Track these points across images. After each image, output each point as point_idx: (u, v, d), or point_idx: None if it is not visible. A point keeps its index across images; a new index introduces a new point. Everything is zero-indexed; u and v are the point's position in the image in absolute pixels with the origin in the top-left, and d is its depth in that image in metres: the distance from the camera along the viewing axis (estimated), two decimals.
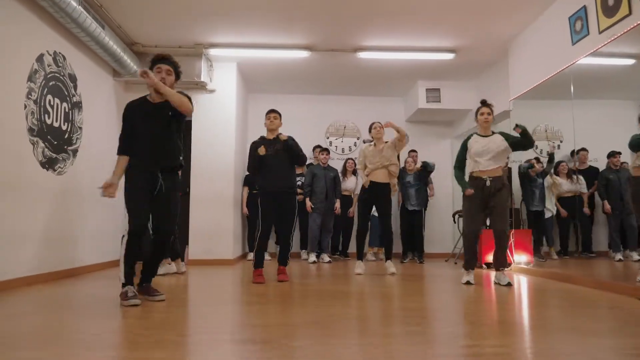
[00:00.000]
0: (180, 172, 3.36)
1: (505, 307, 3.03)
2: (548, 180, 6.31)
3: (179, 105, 3.04)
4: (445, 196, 7.85)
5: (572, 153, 6.42)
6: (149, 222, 3.10)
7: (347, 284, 4.18)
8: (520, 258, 5.51)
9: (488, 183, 4.05)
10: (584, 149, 6.32)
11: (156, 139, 3.12)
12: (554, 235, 6.44)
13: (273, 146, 4.36)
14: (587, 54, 4.17)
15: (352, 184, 6.99)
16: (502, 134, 4.19)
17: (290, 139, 4.40)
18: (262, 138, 4.51)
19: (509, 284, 4.03)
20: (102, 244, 5.39)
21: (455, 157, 4.32)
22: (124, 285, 3.04)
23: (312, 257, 6.43)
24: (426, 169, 6.77)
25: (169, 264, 4.85)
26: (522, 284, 4.26)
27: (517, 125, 4.09)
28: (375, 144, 5.14)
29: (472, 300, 3.31)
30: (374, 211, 6.51)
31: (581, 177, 6.29)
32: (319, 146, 7.14)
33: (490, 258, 5.64)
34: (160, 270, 4.82)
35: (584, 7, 4.14)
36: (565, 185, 6.19)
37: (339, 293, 3.58)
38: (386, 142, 5.16)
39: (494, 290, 3.79)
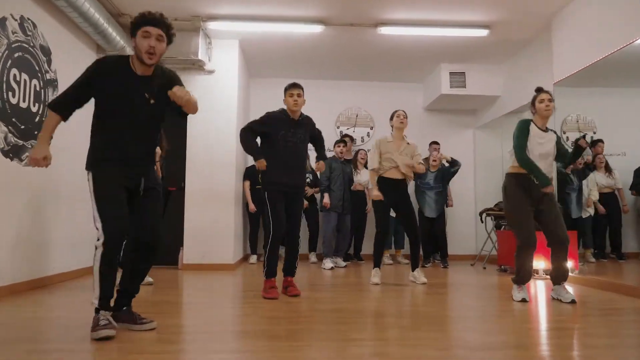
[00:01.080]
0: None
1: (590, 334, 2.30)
2: (590, 177, 5.65)
3: (193, 111, 2.37)
4: (467, 193, 7.13)
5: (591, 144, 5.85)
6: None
7: (369, 299, 3.45)
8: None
9: (537, 181, 3.34)
10: (601, 141, 5.70)
11: (138, 127, 2.39)
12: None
13: (294, 130, 3.59)
14: None
15: (365, 177, 6.23)
16: (557, 135, 3.52)
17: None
18: (283, 112, 3.65)
19: (573, 301, 3.31)
20: (79, 248, 4.61)
21: (517, 142, 3.40)
22: (97, 310, 2.30)
23: (329, 264, 5.65)
24: (452, 167, 6.01)
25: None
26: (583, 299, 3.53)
27: (583, 138, 3.40)
28: (393, 137, 4.38)
29: (549, 327, 2.58)
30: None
31: (616, 171, 5.70)
32: (342, 141, 6.32)
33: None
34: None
35: None
36: (603, 180, 5.55)
37: (362, 314, 2.84)
38: (408, 143, 4.39)
39: (556, 309, 3.07)
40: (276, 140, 3.53)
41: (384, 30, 5.18)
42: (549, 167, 3.44)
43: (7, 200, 3.51)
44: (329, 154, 6.50)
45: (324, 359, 1.93)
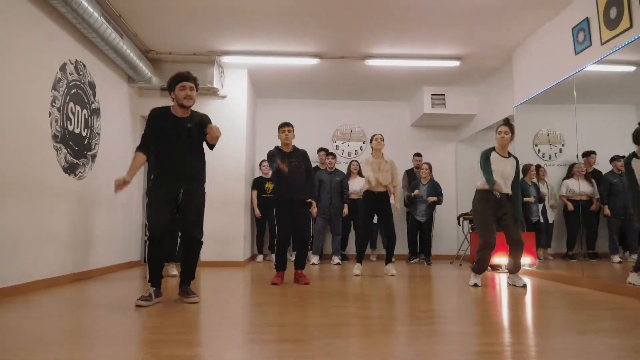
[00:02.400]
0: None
1: (515, 308, 3.19)
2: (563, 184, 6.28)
3: (216, 142, 3.40)
4: (450, 199, 7.98)
5: (585, 154, 6.52)
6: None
7: (358, 285, 4.34)
8: (524, 260, 5.64)
9: (498, 195, 4.22)
10: (593, 152, 6.45)
11: (179, 154, 3.33)
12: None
13: (289, 160, 4.52)
14: (590, 64, 4.33)
15: (358, 186, 7.10)
16: (517, 162, 4.41)
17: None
18: (278, 149, 4.63)
19: (525, 286, 4.18)
20: (117, 247, 5.56)
21: (483, 170, 4.34)
22: (150, 284, 3.23)
23: (314, 259, 6.64)
24: (439, 203, 6.93)
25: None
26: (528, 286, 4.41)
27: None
28: (373, 157, 5.33)
29: (484, 301, 3.47)
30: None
31: (593, 181, 6.36)
32: (323, 149, 7.27)
33: (495, 261, 5.80)
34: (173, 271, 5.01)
35: (587, 19, 4.29)
36: (582, 187, 6.21)
37: (351, 295, 3.73)
38: (386, 161, 5.32)
39: (509, 292, 3.94)
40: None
41: (371, 62, 6.11)
42: (506, 186, 4.32)
43: (65, 207, 4.43)
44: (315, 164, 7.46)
45: (312, 318, 2.82)
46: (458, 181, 8.09)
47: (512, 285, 4.30)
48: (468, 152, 8.01)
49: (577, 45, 4.49)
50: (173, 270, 5.11)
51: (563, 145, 6.81)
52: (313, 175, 4.75)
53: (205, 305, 3.20)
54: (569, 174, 6.40)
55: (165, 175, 3.35)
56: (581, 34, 4.39)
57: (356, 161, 7.28)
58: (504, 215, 4.28)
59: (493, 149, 4.43)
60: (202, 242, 3.48)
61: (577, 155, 5.28)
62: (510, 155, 4.41)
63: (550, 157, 6.92)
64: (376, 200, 5.24)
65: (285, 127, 4.59)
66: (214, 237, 6.26)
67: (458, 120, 7.75)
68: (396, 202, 5.33)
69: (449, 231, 7.90)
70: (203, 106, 6.47)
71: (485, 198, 4.29)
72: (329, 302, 3.34)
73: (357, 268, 5.23)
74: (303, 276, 4.48)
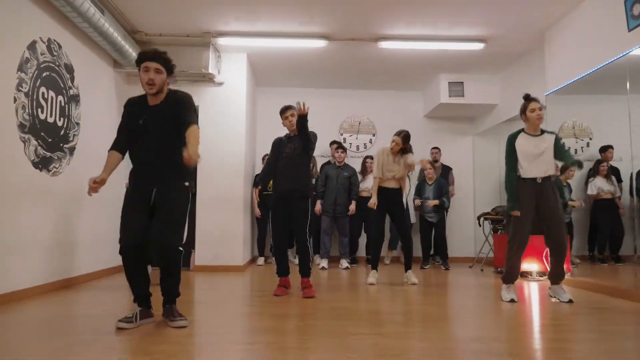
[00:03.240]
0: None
1: (586, 336, 2.57)
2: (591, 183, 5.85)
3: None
4: (467, 198, 7.38)
5: (600, 150, 6.01)
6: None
7: (375, 299, 3.73)
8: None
9: (539, 181, 3.60)
10: (610, 147, 5.92)
11: (147, 148, 2.72)
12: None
13: (292, 145, 3.92)
14: None
15: (369, 183, 6.49)
16: (556, 136, 3.72)
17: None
18: (287, 136, 4.08)
19: (571, 301, 3.57)
20: (103, 250, 4.94)
21: (506, 163, 3.75)
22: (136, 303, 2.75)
23: (323, 263, 6.01)
24: (443, 206, 6.26)
25: None
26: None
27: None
28: (389, 154, 4.74)
29: (538, 323, 2.86)
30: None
31: (614, 178, 5.89)
32: (336, 142, 6.66)
33: (525, 267, 5.19)
34: None
35: None
36: (604, 186, 5.74)
37: (367, 315, 3.12)
38: (401, 156, 4.73)
39: (555, 310, 3.34)
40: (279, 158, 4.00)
41: (384, 45, 5.46)
42: (546, 166, 3.60)
43: (36, 207, 3.81)
44: (324, 160, 6.85)
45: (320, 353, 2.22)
46: (475, 178, 7.47)
47: (554, 299, 3.68)
48: (486, 146, 7.39)
49: (632, 20, 3.86)
50: None
51: (590, 139, 6.25)
52: (312, 138, 4.02)
53: (194, 329, 2.60)
54: (595, 172, 5.90)
55: (136, 175, 2.78)
56: (637, 6, 3.76)
57: (370, 157, 6.66)
58: (546, 206, 3.60)
59: (521, 131, 3.75)
60: (180, 251, 2.73)
61: (631, 155, 4.63)
62: (543, 132, 3.71)
63: (575, 152, 6.35)
64: (387, 197, 4.65)
65: (287, 111, 3.99)
66: (209, 239, 5.67)
67: (476, 111, 7.12)
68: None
69: (466, 231, 7.30)
70: (197, 94, 5.85)
71: (528, 189, 3.63)
72: (340, 326, 2.73)
73: (371, 276, 4.62)
74: (307, 287, 3.85)
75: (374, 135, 7.50)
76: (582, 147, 6.40)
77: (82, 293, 3.94)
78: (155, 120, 2.72)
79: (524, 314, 3.16)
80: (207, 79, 5.75)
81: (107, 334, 2.50)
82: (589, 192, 5.86)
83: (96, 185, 2.60)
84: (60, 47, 4.21)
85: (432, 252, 6.58)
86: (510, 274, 3.71)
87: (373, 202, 4.60)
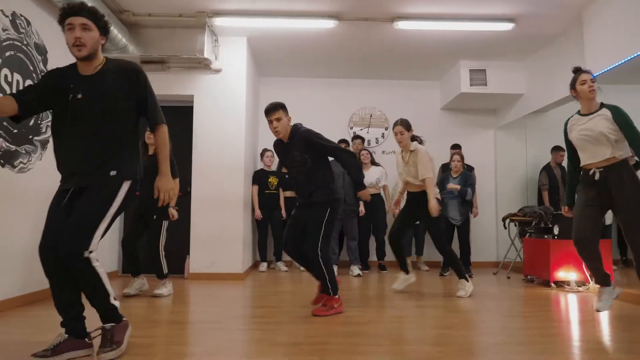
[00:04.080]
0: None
1: None
2: None
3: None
4: (488, 197, 6.76)
5: None
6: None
7: (398, 318, 3.13)
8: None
9: (597, 176, 2.99)
10: None
11: (85, 132, 2.14)
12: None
13: (290, 155, 3.29)
14: None
15: (371, 177, 5.85)
16: (615, 109, 3.01)
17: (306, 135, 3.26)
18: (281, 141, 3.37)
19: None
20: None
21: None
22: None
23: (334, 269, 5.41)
24: (464, 196, 5.59)
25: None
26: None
27: None
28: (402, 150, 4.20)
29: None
30: None
31: None
32: (344, 141, 6.09)
33: (561, 275, 4.58)
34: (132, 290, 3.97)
35: None
36: None
37: (393, 340, 2.52)
38: (412, 150, 4.09)
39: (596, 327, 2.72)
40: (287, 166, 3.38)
41: (401, 25, 4.85)
42: (605, 150, 2.94)
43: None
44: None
45: None
46: (497, 175, 6.84)
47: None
48: (510, 140, 6.78)
49: None
50: (144, 285, 4.03)
51: None
52: (339, 151, 3.29)
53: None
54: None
55: (59, 167, 2.21)
56: None
57: (366, 150, 6.05)
58: (615, 199, 2.94)
59: (570, 118, 3.19)
60: (85, 258, 2.05)
61: None
62: (602, 106, 3.06)
63: None
64: (411, 200, 4.14)
65: (270, 115, 3.21)
66: (205, 244, 5.09)
67: (500, 101, 6.49)
68: (430, 199, 3.99)
69: (487, 234, 6.69)
70: (193, 82, 5.30)
71: (584, 180, 3.08)
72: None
73: (400, 280, 4.26)
74: (323, 304, 3.24)
75: (386, 129, 6.88)
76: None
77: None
78: (90, 94, 2.13)
79: (565, 334, 2.55)
80: (203, 65, 5.18)
81: None
82: None
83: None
84: (29, 23, 3.65)
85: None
86: (599, 275, 3.10)
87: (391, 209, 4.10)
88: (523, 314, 3.32)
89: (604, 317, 3.20)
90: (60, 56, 4.03)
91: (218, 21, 4.86)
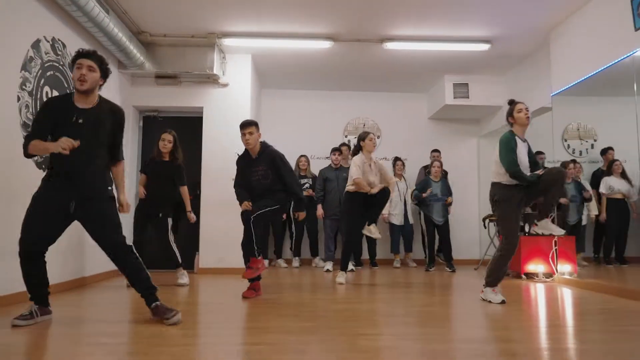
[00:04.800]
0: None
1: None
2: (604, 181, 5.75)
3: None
4: (472, 200, 7.34)
5: (601, 153, 5.98)
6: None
7: (387, 300, 3.69)
8: (563, 268, 4.98)
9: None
10: (610, 148, 5.87)
11: (83, 153, 2.66)
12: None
13: (254, 169, 3.86)
14: None
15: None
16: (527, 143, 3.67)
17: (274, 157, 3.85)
18: (246, 151, 3.98)
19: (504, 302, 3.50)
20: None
21: (508, 159, 3.50)
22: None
23: (328, 266, 5.95)
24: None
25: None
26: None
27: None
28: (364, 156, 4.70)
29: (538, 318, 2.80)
30: (397, 220, 6.17)
31: (633, 180, 5.81)
32: (344, 144, 6.67)
33: (531, 268, 5.14)
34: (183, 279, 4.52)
35: None
36: (617, 184, 5.66)
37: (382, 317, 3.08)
38: (374, 162, 4.71)
39: (561, 311, 3.28)
40: (247, 178, 3.91)
41: (390, 46, 5.44)
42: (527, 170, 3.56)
43: None
44: (326, 162, 6.77)
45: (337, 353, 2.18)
46: (480, 180, 7.42)
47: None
48: (491, 148, 7.32)
49: (638, 19, 3.83)
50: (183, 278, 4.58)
51: (595, 141, 6.21)
52: (292, 175, 3.96)
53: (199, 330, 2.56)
54: (609, 172, 5.85)
55: (56, 180, 2.70)
56: None
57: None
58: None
59: (512, 133, 3.61)
60: (129, 246, 2.79)
61: (638, 155, 4.57)
62: (524, 140, 3.66)
63: (580, 153, 6.31)
64: (365, 198, 4.61)
65: (245, 128, 3.83)
66: (213, 242, 5.63)
67: (482, 112, 7.09)
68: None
69: (470, 233, 7.24)
70: (203, 95, 5.85)
71: (512, 193, 3.52)
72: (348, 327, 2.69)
73: (340, 276, 4.68)
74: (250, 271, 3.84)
75: (378, 137, 7.45)
76: (586, 149, 6.36)
77: (93, 293, 3.91)
78: (89, 123, 2.69)
79: (531, 315, 3.11)
80: (212, 80, 5.74)
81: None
82: (601, 190, 5.80)
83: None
84: (64, 46, 4.19)
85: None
86: (499, 278, 3.62)
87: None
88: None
89: (566, 303, 3.76)
90: None
91: (226, 41, 5.44)
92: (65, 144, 2.48)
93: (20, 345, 2.27)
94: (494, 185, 3.63)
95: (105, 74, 2.79)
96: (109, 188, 2.84)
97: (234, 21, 5.05)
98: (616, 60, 4.18)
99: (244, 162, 3.95)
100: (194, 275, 5.38)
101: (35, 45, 3.74)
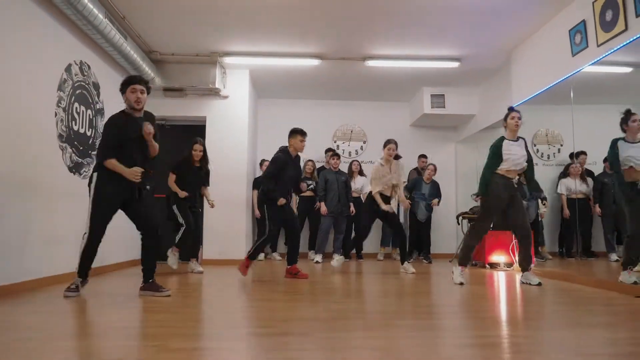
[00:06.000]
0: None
1: (512, 304, 3.26)
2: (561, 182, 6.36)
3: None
4: (450, 199, 8.06)
5: (571, 156, 6.62)
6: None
7: (367, 282, 4.41)
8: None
9: (516, 180, 4.31)
10: (583, 153, 6.52)
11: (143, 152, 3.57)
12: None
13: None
14: (586, 65, 4.40)
15: (359, 184, 7.19)
16: (524, 139, 4.43)
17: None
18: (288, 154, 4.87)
19: (540, 284, 4.20)
20: (120, 245, 5.60)
21: (489, 163, 4.38)
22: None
23: (317, 258, 6.68)
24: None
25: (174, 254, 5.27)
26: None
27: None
28: (384, 164, 5.37)
29: (482, 297, 3.54)
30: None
31: (590, 180, 6.39)
32: (330, 149, 7.36)
33: (494, 258, 5.86)
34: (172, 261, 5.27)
35: (584, 21, 4.37)
36: (579, 186, 6.22)
37: (354, 292, 3.80)
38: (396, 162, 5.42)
39: (525, 290, 4.01)
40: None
41: (371, 63, 6.18)
42: (521, 168, 4.31)
43: (71, 206, 4.50)
44: (318, 164, 7.50)
45: (314, 313, 2.90)
46: (458, 181, 8.16)
47: (526, 284, 4.25)
48: (468, 152, 8.08)
49: (574, 46, 4.56)
50: (197, 266, 5.32)
51: (562, 145, 6.88)
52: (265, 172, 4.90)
53: (207, 302, 3.27)
54: (565, 173, 6.47)
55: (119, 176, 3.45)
56: (578, 35, 4.46)
57: (357, 161, 7.35)
58: (518, 202, 4.30)
59: (503, 138, 4.41)
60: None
61: (573, 155, 5.31)
62: (518, 138, 4.43)
63: (549, 157, 7.00)
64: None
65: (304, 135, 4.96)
66: (216, 236, 6.34)
67: (458, 120, 7.82)
68: (402, 198, 5.47)
69: (448, 230, 7.96)
70: (206, 106, 6.57)
71: (503, 185, 4.26)
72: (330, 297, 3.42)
73: (338, 260, 5.49)
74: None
75: (364, 142, 8.19)
76: (554, 153, 7.07)
77: (107, 280, 4.62)
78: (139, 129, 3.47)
79: (481, 291, 3.84)
80: (214, 92, 6.45)
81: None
82: (558, 190, 6.46)
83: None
84: (89, 67, 4.91)
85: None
86: (468, 257, 4.35)
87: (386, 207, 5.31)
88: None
89: (532, 290, 4.48)
90: (107, 89, 5.30)
91: (227, 59, 6.16)
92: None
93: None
94: (494, 174, 4.38)
95: (149, 92, 3.59)
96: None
97: (234, 42, 5.76)
98: (559, 80, 4.91)
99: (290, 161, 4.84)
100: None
101: (68, 68, 4.45)
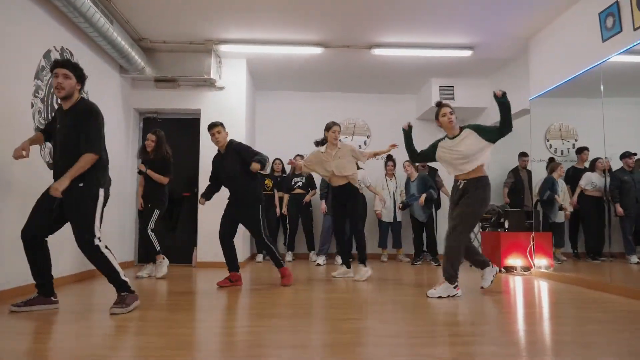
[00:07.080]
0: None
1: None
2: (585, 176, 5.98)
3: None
4: None
5: (576, 152, 6.26)
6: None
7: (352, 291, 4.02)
8: (540, 262, 5.34)
9: (462, 185, 3.75)
10: (586, 148, 6.16)
11: (58, 149, 3.02)
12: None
13: (223, 164, 4.37)
14: (619, 52, 4.00)
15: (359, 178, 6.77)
16: (473, 127, 3.76)
17: (235, 144, 4.34)
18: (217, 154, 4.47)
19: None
20: (114, 245, 5.19)
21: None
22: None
23: (320, 259, 6.28)
24: (431, 198, 6.49)
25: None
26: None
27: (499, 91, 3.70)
28: (326, 148, 4.91)
29: (489, 305, 3.15)
30: (386, 217, 6.46)
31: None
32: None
33: (510, 262, 5.48)
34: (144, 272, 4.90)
35: (617, 2, 3.96)
36: (597, 181, 5.89)
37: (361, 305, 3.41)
38: (339, 147, 4.90)
39: (538, 300, 3.63)
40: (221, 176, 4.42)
41: (377, 52, 5.75)
42: (463, 166, 3.68)
43: None
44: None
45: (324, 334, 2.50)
46: None
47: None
48: None
49: (605, 31, 4.16)
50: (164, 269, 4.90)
51: (576, 141, 6.52)
52: (253, 153, 4.32)
53: (198, 319, 2.88)
54: (592, 168, 6.13)
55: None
56: (610, 19, 4.06)
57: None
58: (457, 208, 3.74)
59: (442, 139, 3.94)
60: (95, 245, 2.96)
61: (604, 152, 4.89)
62: (461, 130, 3.78)
63: (562, 153, 6.63)
64: (339, 194, 4.89)
65: (212, 129, 4.31)
66: (211, 238, 5.92)
67: (467, 113, 7.41)
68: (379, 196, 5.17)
69: None
70: (200, 98, 6.14)
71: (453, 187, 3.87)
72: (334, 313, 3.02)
73: (366, 271, 4.89)
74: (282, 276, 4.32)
75: (368, 137, 7.78)
76: (568, 149, 6.70)
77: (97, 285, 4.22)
78: (65, 124, 2.97)
79: (509, 303, 3.45)
80: (209, 83, 6.03)
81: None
82: (581, 183, 6.05)
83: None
84: (72, 55, 4.48)
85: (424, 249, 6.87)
86: (456, 273, 3.69)
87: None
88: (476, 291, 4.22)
89: (549, 295, 4.09)
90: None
91: (222, 47, 5.73)
92: None
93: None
94: (485, 178, 3.85)
95: (81, 80, 3.03)
96: (80, 184, 2.96)
97: (230, 29, 5.33)
98: (587, 69, 4.51)
99: (217, 161, 4.49)
100: (192, 269, 5.68)
101: (47, 55, 4.03)
